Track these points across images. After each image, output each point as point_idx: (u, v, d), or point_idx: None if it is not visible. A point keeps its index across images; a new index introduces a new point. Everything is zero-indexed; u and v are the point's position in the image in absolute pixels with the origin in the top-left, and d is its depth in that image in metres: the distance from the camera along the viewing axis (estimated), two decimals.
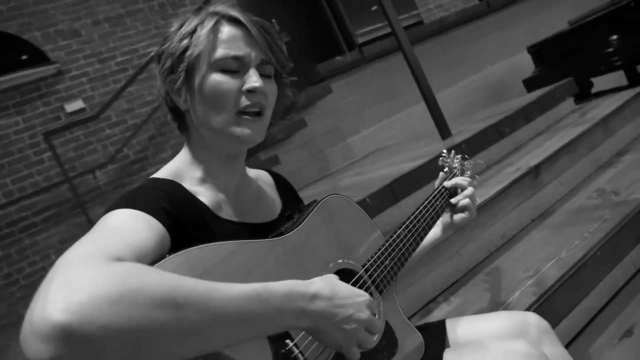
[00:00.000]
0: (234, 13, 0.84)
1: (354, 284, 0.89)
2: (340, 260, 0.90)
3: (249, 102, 0.83)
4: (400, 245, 1.02)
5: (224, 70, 0.82)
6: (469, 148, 2.31)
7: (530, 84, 4.12)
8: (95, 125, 4.49)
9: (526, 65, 4.64)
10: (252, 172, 1.05)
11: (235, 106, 0.83)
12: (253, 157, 3.98)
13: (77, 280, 0.52)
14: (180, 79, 0.82)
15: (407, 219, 1.09)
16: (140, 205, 0.71)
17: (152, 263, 0.64)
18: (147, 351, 0.52)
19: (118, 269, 0.55)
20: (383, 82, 4.52)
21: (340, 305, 0.72)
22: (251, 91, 0.82)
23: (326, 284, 0.73)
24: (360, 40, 4.75)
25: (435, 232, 1.24)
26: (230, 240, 0.82)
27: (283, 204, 1.04)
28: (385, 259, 0.98)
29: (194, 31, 0.83)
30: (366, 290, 0.92)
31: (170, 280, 0.56)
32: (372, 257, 0.95)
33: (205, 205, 0.84)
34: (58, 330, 0.47)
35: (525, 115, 2.52)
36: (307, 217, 0.89)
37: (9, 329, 3.84)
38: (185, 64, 0.81)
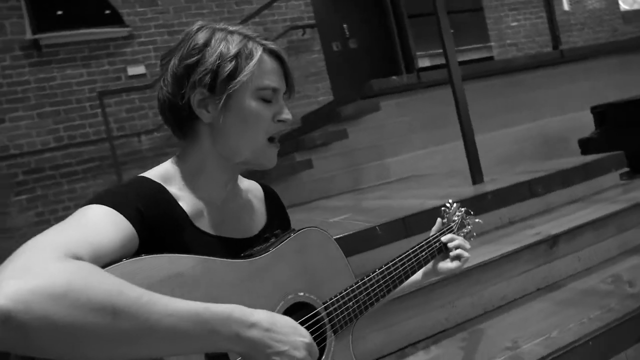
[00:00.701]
0: (274, 47, 0.90)
1: (308, 319, 0.90)
2: (302, 294, 0.91)
3: (278, 130, 0.91)
4: (370, 289, 1.02)
5: (262, 99, 0.88)
6: (496, 200, 2.25)
7: (585, 145, 3.95)
8: (151, 92, 4.67)
9: (587, 124, 4.45)
10: (245, 184, 1.06)
11: (267, 133, 0.90)
12: (288, 156, 4.03)
13: (30, 269, 0.56)
14: (222, 98, 0.85)
15: (385, 265, 1.08)
16: (118, 205, 0.74)
17: (111, 263, 0.67)
18: (78, 350, 0.56)
19: (69, 267, 0.58)
20: (435, 111, 4.45)
21: (277, 339, 0.73)
22: (282, 121, 0.91)
23: (269, 317, 0.74)
24: (420, 65, 4.70)
25: (415, 275, 1.23)
26: (200, 252, 0.85)
27: (268, 219, 1.05)
28: (350, 300, 0.98)
29: (238, 54, 0.85)
30: (320, 328, 0.92)
31: (114, 287, 0.59)
32: (335, 296, 0.95)
33: (185, 213, 0.86)
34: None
35: (564, 179, 2.42)
36: (280, 244, 0.90)
37: None
38: (234, 86, 0.85)
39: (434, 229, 1.28)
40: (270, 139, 0.91)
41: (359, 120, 4.16)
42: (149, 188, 0.84)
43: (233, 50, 0.85)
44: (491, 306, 1.79)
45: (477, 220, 1.36)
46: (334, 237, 1.93)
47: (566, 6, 7.55)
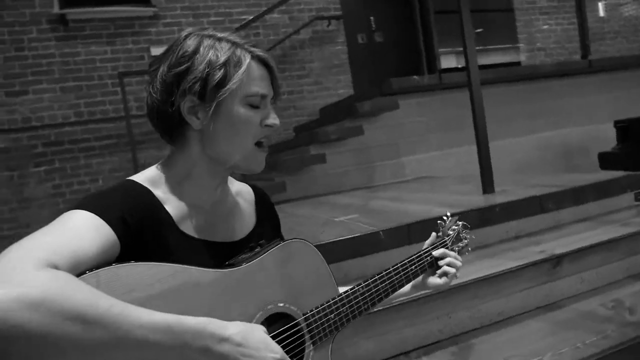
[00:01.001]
0: (262, 54, 0.90)
1: (287, 330, 0.90)
2: (282, 304, 0.91)
3: (265, 134, 0.92)
4: (353, 302, 1.02)
5: (250, 105, 0.89)
6: (504, 213, 2.22)
7: (605, 160, 3.86)
8: None
9: (609, 137, 4.34)
10: (235, 186, 1.06)
11: (255, 137, 0.90)
12: (302, 149, 4.03)
13: (9, 278, 0.58)
14: (212, 106, 0.86)
15: (372, 278, 1.07)
16: (101, 211, 0.75)
17: (91, 269, 0.68)
18: (52, 357, 0.58)
19: (46, 277, 0.60)
20: (454, 112, 4.39)
21: (247, 354, 0.73)
22: (270, 126, 0.91)
23: (242, 331, 0.74)
24: (445, 63, 4.62)
25: (404, 287, 1.22)
26: (184, 256, 0.86)
27: (257, 222, 1.05)
28: (331, 312, 0.97)
29: (226, 62, 0.86)
30: (299, 339, 0.92)
31: (87, 297, 0.61)
32: (316, 307, 0.95)
33: (170, 217, 0.87)
34: None
35: (576, 196, 2.37)
36: (263, 254, 0.90)
37: None
38: (223, 94, 0.85)
39: (427, 242, 1.26)
40: (258, 144, 0.92)
41: (377, 118, 4.13)
42: (135, 192, 0.84)
43: (222, 57, 0.85)
44: (488, 321, 1.77)
45: (473, 236, 1.34)
46: (338, 238, 1.94)
47: (602, 12, 7.33)
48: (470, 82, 2.62)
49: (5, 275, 0.58)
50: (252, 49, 0.90)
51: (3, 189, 4.41)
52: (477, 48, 6.03)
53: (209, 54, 0.85)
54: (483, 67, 5.12)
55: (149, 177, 0.89)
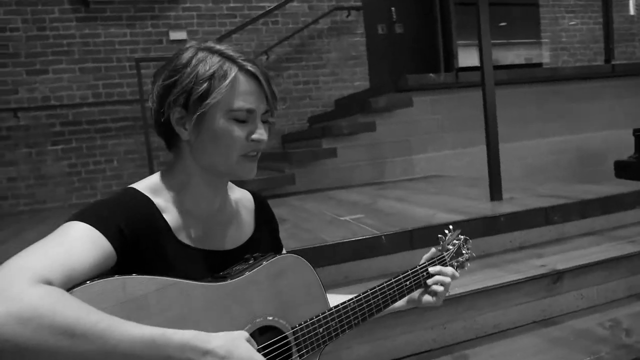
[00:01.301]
0: (252, 68, 0.90)
1: (275, 342, 0.93)
2: (271, 318, 0.93)
3: (252, 149, 0.92)
4: (343, 317, 1.04)
5: (235, 119, 0.89)
6: (509, 223, 2.22)
7: (620, 168, 3.80)
8: None
9: (628, 145, 4.26)
10: (236, 194, 1.09)
11: (241, 150, 0.91)
12: (314, 141, 4.03)
13: (5, 292, 0.62)
14: (194, 118, 0.88)
15: (364, 293, 1.09)
16: (99, 223, 0.78)
17: (86, 279, 0.72)
18: None
19: (38, 293, 0.63)
20: (469, 112, 4.35)
21: None
22: (255, 141, 0.92)
23: (226, 344, 0.77)
24: (463, 59, 4.56)
25: (400, 302, 1.23)
26: (181, 265, 0.89)
27: (255, 229, 1.08)
28: (320, 326, 1.00)
29: (212, 75, 0.87)
30: (287, 351, 0.95)
31: (75, 312, 0.65)
32: (305, 321, 0.98)
33: (168, 226, 0.90)
34: None
35: (583, 210, 2.35)
36: (255, 268, 0.93)
37: (60, 211, 4.28)
38: (203, 108, 0.87)
39: (426, 257, 1.27)
40: (244, 156, 0.92)
41: (390, 114, 4.11)
42: (134, 202, 0.87)
43: (209, 71, 0.87)
44: (483, 333, 1.78)
45: (473, 254, 1.34)
46: (340, 240, 1.96)
47: (632, 10, 7.13)
48: (484, 82, 2.59)
49: (2, 290, 0.62)
50: (243, 62, 0.90)
51: (21, 165, 4.52)
52: (499, 42, 5.92)
53: (198, 68, 0.87)
54: (502, 67, 5.06)
55: (151, 185, 0.92)
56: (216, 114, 0.88)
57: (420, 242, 2.04)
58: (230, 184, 1.07)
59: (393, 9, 5.60)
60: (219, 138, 0.89)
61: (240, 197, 1.10)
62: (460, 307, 1.75)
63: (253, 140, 0.91)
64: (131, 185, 0.91)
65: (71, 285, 0.70)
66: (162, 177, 0.94)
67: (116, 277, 0.74)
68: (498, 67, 5.01)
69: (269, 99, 0.92)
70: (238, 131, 0.89)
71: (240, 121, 0.89)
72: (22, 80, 4.52)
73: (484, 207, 2.45)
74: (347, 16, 5.47)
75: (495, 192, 2.63)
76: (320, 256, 1.87)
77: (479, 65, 2.59)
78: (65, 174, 4.64)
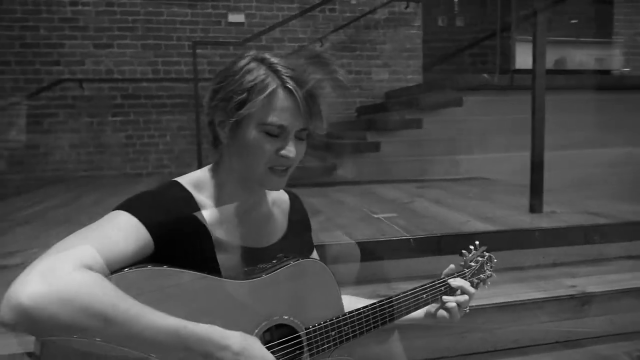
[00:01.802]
0: (292, 85, 0.92)
1: (288, 340, 1.00)
2: (286, 317, 1.00)
3: (280, 163, 0.96)
4: (356, 323, 1.09)
5: (267, 133, 0.93)
6: (545, 239, 2.18)
7: None
8: (244, 44, 4.82)
9: None
10: (273, 193, 1.13)
11: (268, 163, 0.95)
12: (359, 133, 4.06)
13: (51, 274, 0.71)
14: (230, 124, 0.93)
15: (379, 301, 1.13)
16: (142, 215, 0.86)
17: (124, 266, 0.81)
18: (74, 343, 0.71)
19: (80, 277, 0.72)
20: (522, 116, 4.21)
21: None
22: (284, 157, 0.95)
23: (242, 342, 0.84)
24: (519, 60, 4.40)
25: (418, 313, 1.26)
26: (212, 260, 0.97)
27: (287, 230, 1.14)
28: (333, 329, 1.05)
29: (252, 87, 0.91)
30: (298, 350, 1.02)
31: (110, 298, 0.73)
32: (319, 323, 1.04)
33: (205, 222, 0.97)
34: (20, 308, 0.67)
35: (627, 232, 2.27)
36: (277, 269, 0.99)
37: (115, 180, 4.55)
38: (238, 117, 0.92)
39: (445, 272, 1.29)
40: (272, 169, 0.95)
41: (437, 112, 4.06)
42: (176, 197, 0.95)
43: (251, 82, 0.91)
44: (500, 346, 1.79)
45: (494, 275, 1.34)
46: (369, 239, 2.01)
47: None
48: (534, 85, 2.53)
49: (48, 273, 0.71)
50: (286, 78, 0.92)
51: (83, 133, 4.82)
52: (569, 39, 5.58)
53: (244, 77, 0.92)
54: (567, 71, 4.83)
55: (194, 180, 0.99)
56: (250, 124, 0.92)
57: (447, 249, 2.05)
58: None
59: (456, 0, 5.46)
60: (249, 147, 0.93)
61: (276, 197, 1.15)
62: (481, 318, 1.76)
63: (281, 156, 0.94)
64: (176, 179, 0.99)
65: (110, 271, 0.79)
66: (207, 173, 1.01)
67: (150, 267, 0.83)
68: (561, 72, 4.82)
69: (305, 118, 0.94)
70: (268, 144, 0.93)
71: (272, 135, 0.93)
72: (89, 53, 4.80)
73: (521, 219, 2.41)
74: (406, 7, 5.39)
75: (535, 204, 2.57)
76: (347, 253, 1.92)
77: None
78: (122, 145, 4.91)
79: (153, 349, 0.76)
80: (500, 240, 2.10)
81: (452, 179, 4.12)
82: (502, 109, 4.26)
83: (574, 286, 1.90)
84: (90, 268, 0.75)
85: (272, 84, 0.90)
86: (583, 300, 1.84)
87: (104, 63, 4.82)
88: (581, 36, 5.74)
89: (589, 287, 1.88)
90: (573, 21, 5.78)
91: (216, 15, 5.00)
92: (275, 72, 0.93)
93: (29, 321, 0.67)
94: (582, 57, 5.80)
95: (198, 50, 4.22)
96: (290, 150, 0.94)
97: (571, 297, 1.81)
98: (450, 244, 2.05)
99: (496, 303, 1.78)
